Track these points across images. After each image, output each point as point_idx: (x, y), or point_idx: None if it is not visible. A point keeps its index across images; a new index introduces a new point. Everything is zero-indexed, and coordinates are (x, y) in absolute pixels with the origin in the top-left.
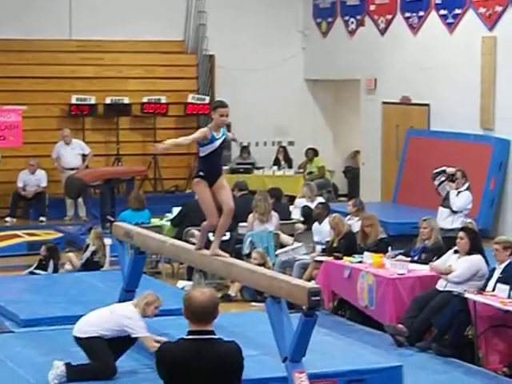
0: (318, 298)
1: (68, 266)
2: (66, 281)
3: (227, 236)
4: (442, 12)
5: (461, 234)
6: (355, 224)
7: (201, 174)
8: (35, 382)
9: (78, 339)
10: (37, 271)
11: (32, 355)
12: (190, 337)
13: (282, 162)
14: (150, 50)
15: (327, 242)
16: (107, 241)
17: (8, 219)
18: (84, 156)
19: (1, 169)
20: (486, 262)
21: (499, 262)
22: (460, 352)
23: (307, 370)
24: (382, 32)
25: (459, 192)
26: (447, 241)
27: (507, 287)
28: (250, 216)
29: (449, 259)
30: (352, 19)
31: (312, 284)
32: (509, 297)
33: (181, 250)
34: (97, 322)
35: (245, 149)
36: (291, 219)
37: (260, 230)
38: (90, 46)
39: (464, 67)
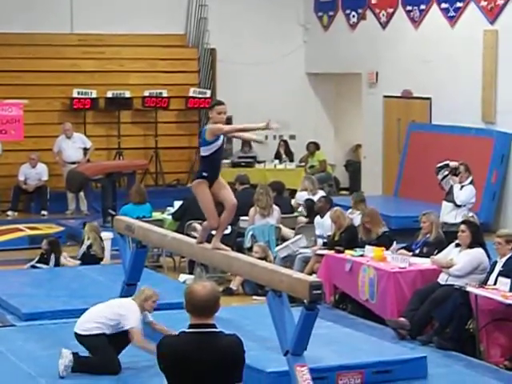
0: (319, 291)
1: (64, 261)
2: (68, 275)
3: (228, 230)
4: (444, 5)
5: (462, 227)
6: (357, 218)
7: (204, 174)
8: (37, 375)
9: (79, 336)
10: (38, 265)
11: (33, 349)
12: (191, 330)
13: (284, 156)
14: (152, 44)
15: (329, 235)
16: (108, 235)
17: (9, 213)
18: (85, 150)
19: (2, 163)
20: (488, 255)
21: (501, 256)
22: (461, 345)
23: (334, 361)
24: (384, 25)
25: (462, 186)
26: (451, 235)
27: (508, 281)
28: (252, 210)
29: (450, 253)
30: (353, 13)
31: (313, 278)
32: (510, 290)
33: (182, 243)
34: (96, 316)
35: (246, 142)
36: (293, 213)
37: (261, 224)
38: (92, 40)
39: (465, 61)
